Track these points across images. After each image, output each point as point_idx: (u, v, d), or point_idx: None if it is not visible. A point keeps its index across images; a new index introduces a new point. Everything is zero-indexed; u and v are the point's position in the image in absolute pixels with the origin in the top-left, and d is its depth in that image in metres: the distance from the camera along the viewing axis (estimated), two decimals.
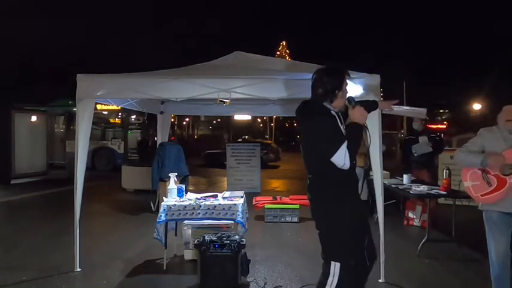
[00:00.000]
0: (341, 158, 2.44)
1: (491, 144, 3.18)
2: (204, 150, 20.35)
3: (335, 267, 2.54)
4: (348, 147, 2.45)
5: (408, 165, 6.59)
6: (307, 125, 2.65)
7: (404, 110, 5.26)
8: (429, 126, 8.59)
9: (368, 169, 6.09)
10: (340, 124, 2.60)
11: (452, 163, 7.98)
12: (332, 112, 2.60)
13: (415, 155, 6.56)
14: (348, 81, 2.69)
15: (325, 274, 2.58)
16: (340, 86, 2.61)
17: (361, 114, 2.58)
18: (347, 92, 2.66)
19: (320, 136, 2.54)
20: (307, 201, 2.78)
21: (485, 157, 3.06)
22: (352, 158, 2.49)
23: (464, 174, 3.27)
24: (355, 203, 2.66)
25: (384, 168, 4.33)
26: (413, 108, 5.22)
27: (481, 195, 3.16)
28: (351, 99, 2.63)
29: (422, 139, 6.65)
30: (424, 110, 5.15)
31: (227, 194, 4.48)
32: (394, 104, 3.04)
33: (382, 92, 4.16)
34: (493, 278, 3.18)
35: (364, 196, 6.90)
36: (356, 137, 2.55)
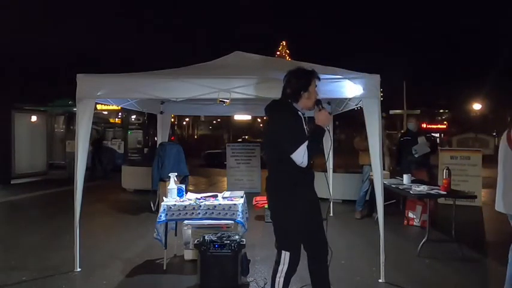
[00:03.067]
0: (300, 156, 2.63)
1: None
2: (204, 150, 20.37)
3: (285, 256, 2.80)
4: (307, 146, 2.64)
5: (405, 165, 6.58)
6: (273, 121, 2.85)
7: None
8: (428, 126, 8.64)
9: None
10: (304, 125, 2.81)
11: (452, 163, 8.04)
12: (299, 113, 2.81)
13: (416, 156, 6.56)
14: (316, 83, 2.84)
15: (277, 262, 2.85)
16: (306, 87, 2.78)
17: (326, 118, 2.75)
18: (316, 95, 2.83)
19: (283, 133, 2.72)
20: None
21: None
22: (311, 158, 2.68)
23: None
24: (305, 198, 2.81)
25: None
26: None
27: None
28: (318, 102, 2.81)
29: (421, 140, 6.65)
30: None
31: (227, 194, 4.48)
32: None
33: (382, 92, 4.15)
34: None
35: (368, 196, 6.91)
36: (317, 138, 2.75)
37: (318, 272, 3.02)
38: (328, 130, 2.85)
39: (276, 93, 4.04)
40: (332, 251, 3.02)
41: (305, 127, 2.81)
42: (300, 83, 2.79)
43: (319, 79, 2.88)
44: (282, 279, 2.81)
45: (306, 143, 2.64)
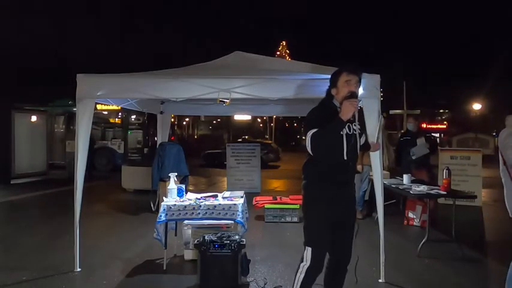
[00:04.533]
0: (307, 142, 2.62)
1: None
2: (204, 150, 20.36)
3: (307, 252, 2.74)
4: (313, 134, 2.58)
5: (405, 165, 6.57)
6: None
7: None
8: (428, 126, 8.64)
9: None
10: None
11: (452, 163, 8.05)
12: (338, 109, 2.69)
13: (413, 157, 6.54)
14: (348, 78, 2.72)
15: (301, 258, 2.79)
16: (334, 83, 2.78)
17: (346, 109, 2.58)
18: (347, 88, 2.70)
19: (305, 124, 2.75)
20: None
21: None
22: (316, 148, 2.60)
23: None
24: (323, 195, 2.73)
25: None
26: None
27: None
28: (347, 94, 2.66)
29: (420, 141, 6.63)
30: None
31: (227, 194, 4.48)
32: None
33: (382, 92, 4.15)
34: None
35: (366, 196, 6.92)
36: (328, 129, 2.58)
37: (331, 277, 2.92)
38: (352, 121, 2.72)
39: (276, 93, 4.07)
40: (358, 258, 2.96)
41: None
42: (330, 81, 2.83)
43: (352, 73, 2.74)
44: (302, 276, 2.75)
45: (312, 131, 2.59)
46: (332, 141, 2.63)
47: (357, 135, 2.80)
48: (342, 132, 2.66)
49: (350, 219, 2.87)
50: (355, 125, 2.78)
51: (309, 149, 2.63)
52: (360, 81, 2.78)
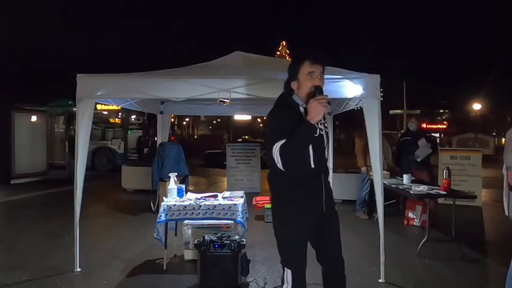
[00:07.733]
0: (274, 155, 2.22)
1: None
2: (204, 150, 20.40)
3: (287, 274, 2.39)
4: (282, 147, 2.18)
5: (405, 165, 6.57)
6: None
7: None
8: (428, 126, 8.67)
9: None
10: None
11: (452, 163, 8.05)
12: (301, 107, 2.35)
13: (418, 160, 6.55)
14: (312, 69, 2.32)
15: (282, 280, 2.46)
16: (294, 75, 2.37)
17: (315, 111, 2.17)
18: (310, 82, 2.32)
19: (268, 129, 2.36)
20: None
21: None
22: (286, 160, 2.20)
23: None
24: (300, 211, 2.35)
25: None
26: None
27: None
28: (311, 90, 2.28)
29: (422, 142, 6.64)
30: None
31: (227, 194, 4.48)
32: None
33: (382, 92, 4.16)
34: None
35: (366, 196, 6.93)
36: (298, 139, 2.19)
37: (330, 285, 2.60)
38: (325, 123, 2.41)
39: (276, 93, 4.05)
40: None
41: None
42: (289, 73, 2.40)
43: (316, 62, 2.33)
44: None
45: (281, 141, 2.18)
46: (304, 151, 2.27)
47: (324, 136, 2.43)
48: None
49: (332, 220, 2.52)
50: (320, 124, 2.37)
51: (279, 165, 2.22)
52: (324, 72, 2.37)
